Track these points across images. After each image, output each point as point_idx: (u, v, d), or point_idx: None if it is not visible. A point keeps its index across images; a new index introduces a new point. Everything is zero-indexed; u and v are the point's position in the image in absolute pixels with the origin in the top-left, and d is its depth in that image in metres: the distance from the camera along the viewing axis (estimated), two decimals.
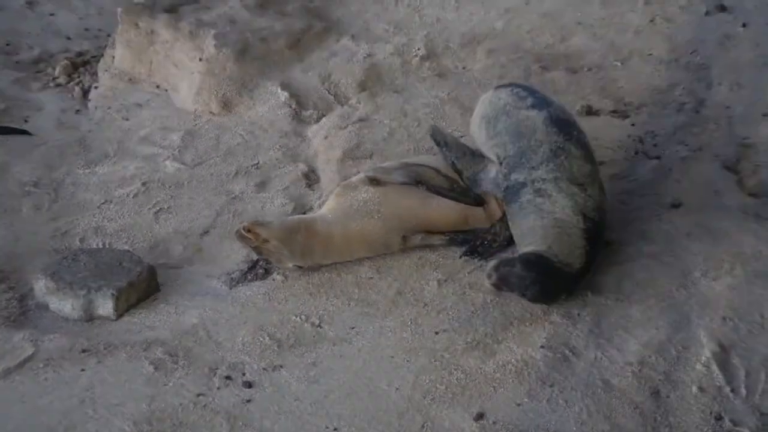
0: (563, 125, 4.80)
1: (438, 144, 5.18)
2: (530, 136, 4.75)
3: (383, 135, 6.13)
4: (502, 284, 4.50)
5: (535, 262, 4.41)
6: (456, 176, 5.07)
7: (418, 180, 5.05)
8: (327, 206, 5.09)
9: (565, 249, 4.45)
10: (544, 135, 4.73)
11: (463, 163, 5.03)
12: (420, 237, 4.99)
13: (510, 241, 4.82)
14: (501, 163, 4.84)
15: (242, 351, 4.45)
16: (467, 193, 5.00)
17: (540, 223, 4.52)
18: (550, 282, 4.42)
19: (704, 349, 4.14)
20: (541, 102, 4.95)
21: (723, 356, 4.10)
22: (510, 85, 5.23)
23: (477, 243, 4.94)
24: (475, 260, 4.88)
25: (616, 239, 4.87)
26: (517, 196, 4.64)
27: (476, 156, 5.05)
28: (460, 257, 4.91)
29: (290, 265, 4.95)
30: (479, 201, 5.00)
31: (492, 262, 4.56)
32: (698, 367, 4.07)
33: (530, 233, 4.54)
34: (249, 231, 4.83)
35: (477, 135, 5.15)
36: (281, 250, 4.87)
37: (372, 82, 6.74)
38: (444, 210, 4.99)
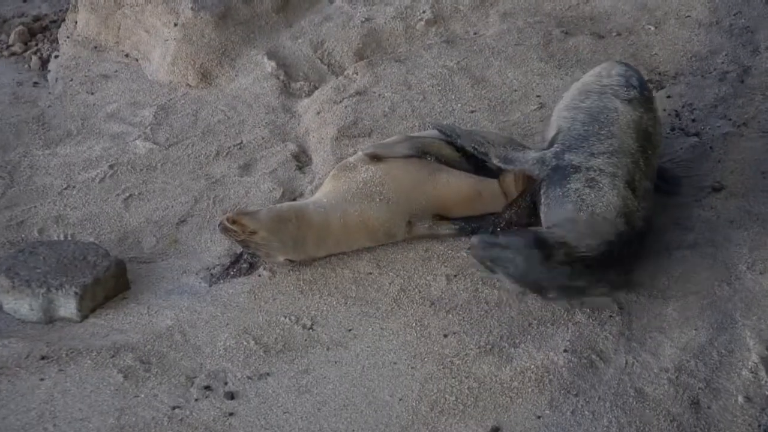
0: (644, 137, 4.78)
1: (450, 137, 5.11)
2: (606, 125, 4.74)
3: (384, 110, 6.11)
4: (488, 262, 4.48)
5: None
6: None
7: (424, 151, 5.05)
8: (321, 191, 5.08)
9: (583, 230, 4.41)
10: (621, 132, 4.73)
11: (486, 148, 4.94)
12: (427, 224, 4.98)
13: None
14: (556, 141, 4.79)
15: (224, 357, 4.44)
16: (480, 165, 5.00)
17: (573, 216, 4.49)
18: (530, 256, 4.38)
19: (751, 353, 4.14)
20: (642, 104, 4.90)
21: None
22: (631, 69, 5.14)
23: (489, 231, 4.88)
24: None
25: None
26: (565, 181, 4.57)
27: (497, 144, 4.97)
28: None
29: (280, 258, 4.94)
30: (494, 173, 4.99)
31: (473, 239, 4.53)
32: (744, 373, 4.06)
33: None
34: (234, 222, 4.81)
35: (566, 95, 5.11)
36: (270, 243, 4.86)
37: (371, 50, 6.72)
38: (455, 184, 4.99)
